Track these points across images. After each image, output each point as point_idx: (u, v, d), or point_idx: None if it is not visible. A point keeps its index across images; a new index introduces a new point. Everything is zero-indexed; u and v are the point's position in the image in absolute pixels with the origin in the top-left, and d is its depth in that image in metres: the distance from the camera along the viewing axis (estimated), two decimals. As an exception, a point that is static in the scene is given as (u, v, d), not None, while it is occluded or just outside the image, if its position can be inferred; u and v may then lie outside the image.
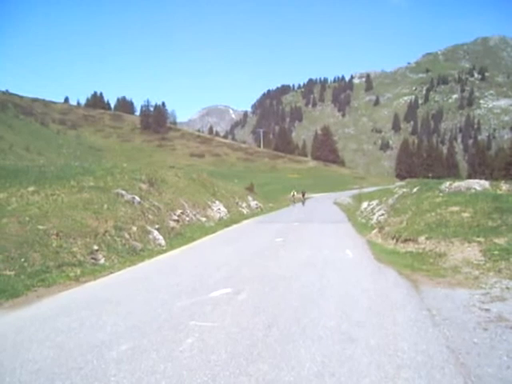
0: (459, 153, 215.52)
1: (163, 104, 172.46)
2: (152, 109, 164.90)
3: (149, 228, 17.13)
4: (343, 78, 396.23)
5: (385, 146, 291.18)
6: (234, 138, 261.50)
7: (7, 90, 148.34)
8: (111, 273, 11.84)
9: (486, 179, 25.24)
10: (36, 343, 6.09)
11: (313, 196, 74.37)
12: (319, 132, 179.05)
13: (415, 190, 24.12)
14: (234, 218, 30.76)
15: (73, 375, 5.05)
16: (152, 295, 8.94)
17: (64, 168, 23.08)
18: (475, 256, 11.60)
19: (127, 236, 15.16)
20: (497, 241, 12.03)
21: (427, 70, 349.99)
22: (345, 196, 63.51)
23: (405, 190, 26.94)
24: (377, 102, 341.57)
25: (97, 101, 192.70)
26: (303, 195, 60.51)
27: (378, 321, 6.99)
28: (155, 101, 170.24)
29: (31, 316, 7.54)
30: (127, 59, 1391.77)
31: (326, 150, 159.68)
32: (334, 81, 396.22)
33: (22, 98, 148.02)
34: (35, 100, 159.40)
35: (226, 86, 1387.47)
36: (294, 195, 58.68)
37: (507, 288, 8.78)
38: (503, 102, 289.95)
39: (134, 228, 16.05)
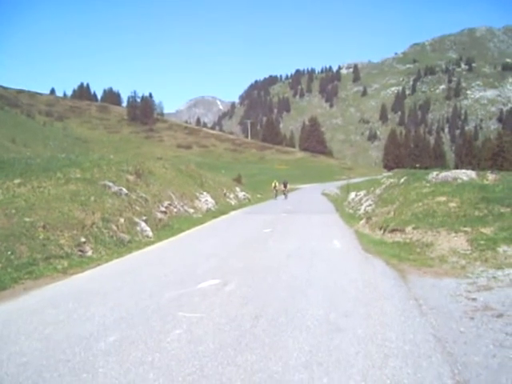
0: (446, 143, 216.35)
1: (150, 95, 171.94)
2: (139, 100, 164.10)
3: (136, 220, 17.08)
4: (331, 68, 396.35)
5: (372, 137, 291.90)
6: (221, 129, 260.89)
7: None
8: (99, 265, 11.79)
9: (472, 169, 25.28)
10: (23, 336, 6.06)
11: (301, 187, 74.43)
12: (307, 123, 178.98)
13: (402, 180, 24.19)
14: (222, 209, 30.68)
15: (61, 367, 5.03)
16: (140, 287, 8.93)
17: (50, 160, 22.93)
18: (462, 246, 11.68)
19: (114, 228, 15.10)
20: (483, 230, 12.12)
21: (414, 61, 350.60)
22: (332, 187, 63.69)
23: (392, 180, 27.04)
24: (364, 93, 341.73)
25: (83, 92, 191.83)
26: (285, 186, 51.81)
27: (366, 310, 7.02)
28: (142, 92, 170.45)
29: (18, 309, 7.50)
30: (114, 50, 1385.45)
31: (313, 140, 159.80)
32: (322, 71, 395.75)
33: (6, 89, 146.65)
34: (20, 91, 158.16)
35: (214, 77, 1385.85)
36: (275, 186, 51.75)
37: (493, 277, 8.86)
38: (490, 93, 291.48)
39: (122, 220, 15.99)
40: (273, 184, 52.47)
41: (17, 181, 16.29)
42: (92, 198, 16.03)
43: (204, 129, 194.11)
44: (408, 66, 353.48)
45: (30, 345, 5.73)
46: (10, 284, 9.05)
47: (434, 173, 21.62)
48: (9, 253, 10.43)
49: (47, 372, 4.92)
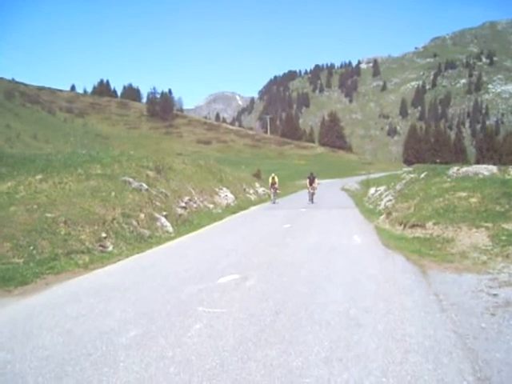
0: (467, 138, 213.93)
1: (170, 91, 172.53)
2: (158, 96, 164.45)
3: (156, 215, 17.17)
4: (350, 63, 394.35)
5: (392, 132, 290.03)
6: (240, 125, 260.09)
7: (13, 79, 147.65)
8: (119, 260, 11.88)
9: (494, 164, 25.07)
10: (45, 330, 6.13)
11: (320, 182, 74.03)
12: (326, 118, 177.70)
13: (423, 175, 24.01)
14: (242, 205, 30.73)
15: (82, 361, 5.09)
16: (160, 282, 8.98)
17: (71, 156, 23.11)
18: (483, 241, 11.56)
19: (135, 223, 15.20)
20: (505, 226, 11.99)
21: (435, 55, 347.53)
22: (352, 182, 63.20)
23: (412, 175, 26.84)
24: (384, 88, 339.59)
25: (103, 88, 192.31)
26: (311, 182, 35.40)
27: (386, 306, 6.99)
28: (162, 88, 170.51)
29: (40, 303, 7.59)
30: (133, 46, 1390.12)
31: (333, 135, 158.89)
32: (341, 66, 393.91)
33: (28, 86, 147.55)
34: (41, 88, 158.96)
35: (233, 73, 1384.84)
36: (274, 183, 36.00)
37: (515, 273, 8.76)
38: (511, 87, 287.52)
39: (142, 215, 16.08)
40: (270, 179, 37.06)
41: (38, 177, 16.44)
42: (112, 194, 16.13)
43: (223, 124, 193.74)
44: (428, 60, 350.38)
45: (52, 339, 5.79)
46: (32, 279, 9.16)
47: (455, 168, 21.44)
48: (31, 248, 10.56)
49: (69, 366, 4.97)
